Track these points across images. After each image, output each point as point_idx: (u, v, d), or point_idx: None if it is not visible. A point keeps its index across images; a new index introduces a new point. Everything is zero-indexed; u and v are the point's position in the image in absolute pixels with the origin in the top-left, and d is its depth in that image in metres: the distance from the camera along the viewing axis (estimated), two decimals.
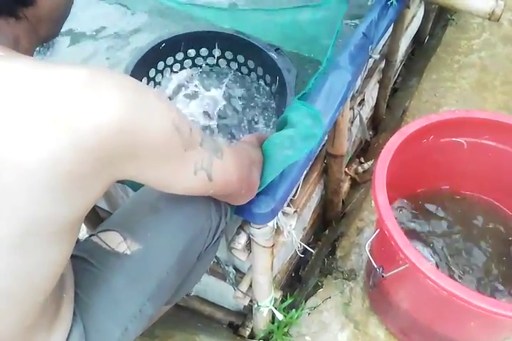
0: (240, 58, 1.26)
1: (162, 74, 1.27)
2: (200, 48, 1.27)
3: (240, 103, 1.24)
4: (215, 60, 1.29)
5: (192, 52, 1.27)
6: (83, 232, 1.32)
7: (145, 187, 0.81)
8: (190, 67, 1.30)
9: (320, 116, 0.91)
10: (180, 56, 1.27)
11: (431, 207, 1.36)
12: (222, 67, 1.30)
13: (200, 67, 1.30)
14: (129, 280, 0.73)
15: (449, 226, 1.32)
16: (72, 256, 0.72)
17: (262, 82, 1.26)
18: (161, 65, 1.25)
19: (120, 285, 0.72)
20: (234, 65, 1.29)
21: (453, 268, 1.24)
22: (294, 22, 1.15)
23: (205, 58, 1.29)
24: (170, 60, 1.26)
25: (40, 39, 0.65)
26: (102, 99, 0.50)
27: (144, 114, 0.53)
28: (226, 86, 1.27)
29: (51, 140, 0.48)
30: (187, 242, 0.77)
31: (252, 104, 1.25)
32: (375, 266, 1.04)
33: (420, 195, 1.37)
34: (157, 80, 1.27)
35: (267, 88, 1.25)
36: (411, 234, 1.30)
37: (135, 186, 0.91)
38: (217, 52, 1.27)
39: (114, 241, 0.74)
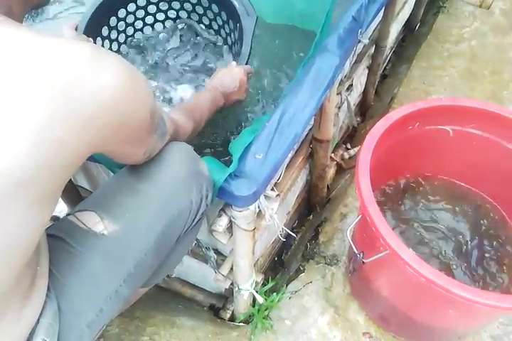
0: (204, 2, 1.22)
1: (125, 22, 1.23)
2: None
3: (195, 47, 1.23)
4: (179, 5, 1.25)
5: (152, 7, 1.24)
6: (64, 212, 1.30)
7: (124, 169, 0.80)
8: (155, 14, 1.27)
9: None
10: (142, 2, 1.22)
11: (414, 194, 1.36)
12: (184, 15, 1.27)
13: (165, 13, 1.27)
14: (106, 260, 0.72)
15: (432, 213, 1.33)
16: (49, 235, 0.71)
17: (222, 29, 1.24)
18: (122, 12, 1.20)
19: (96, 266, 0.71)
20: (199, 9, 1.25)
21: (436, 256, 1.25)
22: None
23: (169, 3, 1.25)
24: (132, 7, 1.21)
25: (31, 6, 0.66)
26: (101, 74, 0.54)
27: (134, 95, 0.59)
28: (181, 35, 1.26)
29: (44, 106, 0.50)
30: (166, 224, 0.76)
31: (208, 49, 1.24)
32: (356, 252, 1.04)
33: (404, 182, 1.37)
34: (120, 29, 1.23)
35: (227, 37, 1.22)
36: (393, 221, 1.30)
37: (113, 167, 0.89)
38: None
39: (91, 220, 0.73)
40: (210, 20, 1.26)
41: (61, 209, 1.31)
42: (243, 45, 1.06)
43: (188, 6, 1.25)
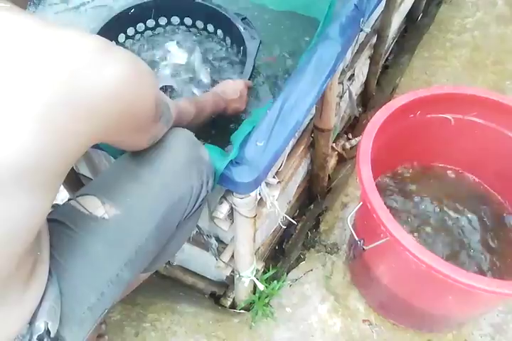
0: (210, 27, 1.25)
1: (133, 40, 1.25)
2: (172, 16, 1.25)
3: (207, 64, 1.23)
4: (187, 29, 1.28)
5: (163, 19, 1.26)
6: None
7: (126, 154, 0.80)
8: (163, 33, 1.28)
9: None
10: (151, 23, 1.25)
11: (414, 184, 1.36)
12: (193, 33, 1.28)
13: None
14: (107, 244, 0.72)
15: (432, 202, 1.33)
16: (50, 220, 0.72)
17: (229, 50, 1.25)
18: (130, 30, 1.23)
19: (97, 250, 0.72)
20: (204, 33, 1.28)
21: (433, 246, 1.26)
22: None
23: (177, 26, 1.28)
24: (140, 27, 1.24)
25: None
26: (107, 65, 0.55)
27: (139, 86, 0.60)
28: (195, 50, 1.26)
29: (48, 94, 0.51)
30: (167, 209, 0.76)
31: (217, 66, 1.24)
32: (356, 239, 1.05)
33: (405, 171, 1.37)
34: (126, 45, 1.25)
35: (234, 57, 1.24)
36: (392, 210, 1.30)
37: (115, 153, 0.90)
38: (189, 21, 1.26)
39: (93, 205, 0.73)
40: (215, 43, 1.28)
41: (62, 197, 1.32)
42: (246, 64, 1.10)
43: (194, 30, 1.27)
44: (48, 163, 0.53)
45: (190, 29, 1.28)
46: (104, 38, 0.57)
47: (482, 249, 1.24)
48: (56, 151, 0.53)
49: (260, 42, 1.14)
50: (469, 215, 1.31)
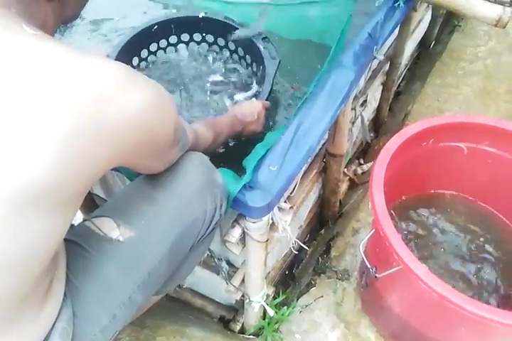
0: (231, 45, 1.27)
1: (155, 55, 1.29)
2: (194, 33, 1.29)
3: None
4: (207, 46, 1.31)
5: (185, 36, 1.29)
6: (78, 220, 1.32)
7: (141, 177, 0.81)
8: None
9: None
10: (173, 39, 1.28)
11: (426, 212, 1.36)
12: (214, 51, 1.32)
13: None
14: (120, 266, 0.73)
15: (444, 232, 1.32)
16: (65, 240, 0.72)
17: (248, 69, 1.28)
18: (153, 46, 1.27)
19: (111, 271, 0.72)
20: (226, 52, 1.31)
21: (447, 272, 1.24)
22: (303, 17, 1.16)
23: (198, 43, 1.31)
24: (163, 43, 1.28)
25: (63, 20, 0.70)
26: (131, 93, 0.56)
27: (160, 114, 0.62)
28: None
29: (72, 118, 0.52)
30: (180, 232, 0.77)
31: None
32: (369, 266, 1.04)
33: (417, 199, 1.37)
34: (149, 60, 1.29)
35: (253, 78, 1.26)
36: (405, 238, 1.30)
37: (131, 175, 0.91)
38: (210, 38, 1.29)
39: (108, 226, 0.74)
40: (234, 62, 1.31)
41: (76, 217, 1.33)
42: (265, 83, 1.12)
43: (215, 48, 1.31)
44: (67, 184, 0.55)
45: (212, 46, 1.30)
46: (127, 66, 0.59)
47: (497, 278, 1.22)
48: (76, 173, 0.55)
49: (279, 63, 1.14)
50: (483, 243, 1.29)
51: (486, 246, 1.29)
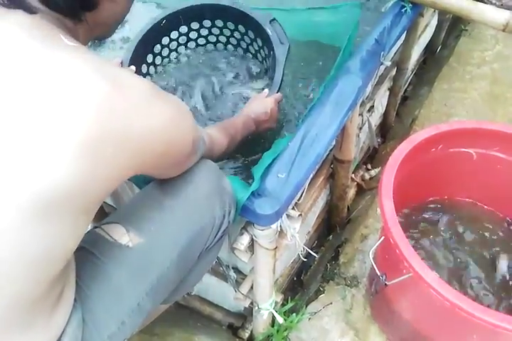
0: (241, 28, 1.27)
1: (169, 49, 1.31)
2: (203, 21, 1.30)
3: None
4: (219, 31, 1.32)
5: (195, 24, 1.31)
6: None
7: (151, 184, 0.82)
8: (197, 39, 1.35)
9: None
10: (184, 29, 1.30)
11: (436, 218, 1.35)
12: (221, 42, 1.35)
13: (206, 38, 1.35)
14: (130, 273, 0.73)
15: (454, 239, 1.31)
16: None
17: (259, 55, 1.28)
18: (165, 39, 1.28)
19: (120, 278, 0.72)
20: (237, 35, 1.31)
21: (455, 282, 1.23)
22: (311, 22, 1.16)
23: (209, 29, 1.33)
24: (174, 34, 1.29)
25: (93, 37, 0.75)
26: (156, 107, 0.60)
27: (181, 127, 0.66)
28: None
29: (101, 127, 0.55)
30: (189, 239, 0.77)
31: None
32: (378, 274, 1.03)
33: (427, 205, 1.36)
34: (164, 54, 1.31)
35: (264, 64, 1.27)
36: (415, 245, 1.29)
37: (140, 183, 0.91)
38: (220, 23, 1.30)
39: (117, 232, 0.75)
40: (247, 44, 1.32)
41: None
42: (275, 73, 1.11)
43: (226, 31, 1.33)
44: (87, 192, 0.57)
45: (223, 30, 1.31)
46: (150, 81, 0.63)
47: (508, 284, 1.21)
48: (97, 181, 0.57)
49: (289, 48, 1.12)
50: (493, 249, 1.28)
51: (497, 252, 1.27)
